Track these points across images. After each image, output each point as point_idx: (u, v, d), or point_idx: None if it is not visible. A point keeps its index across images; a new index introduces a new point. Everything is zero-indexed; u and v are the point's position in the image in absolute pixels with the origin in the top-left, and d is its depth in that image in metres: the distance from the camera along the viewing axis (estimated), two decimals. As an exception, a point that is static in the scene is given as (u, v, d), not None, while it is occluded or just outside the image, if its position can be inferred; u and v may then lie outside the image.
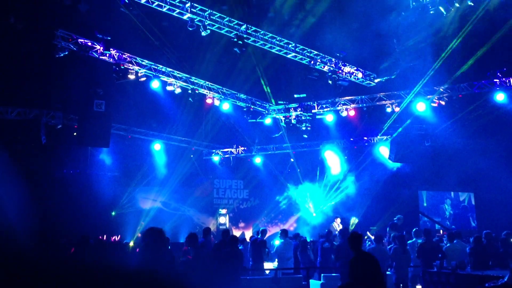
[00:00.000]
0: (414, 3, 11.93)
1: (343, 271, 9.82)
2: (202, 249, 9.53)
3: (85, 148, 17.88)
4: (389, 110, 16.49)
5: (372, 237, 14.80)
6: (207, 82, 16.91)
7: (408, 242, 11.21)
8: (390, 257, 9.87)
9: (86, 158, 18.77)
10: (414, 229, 12.27)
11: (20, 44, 12.87)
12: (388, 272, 10.03)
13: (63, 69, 14.20)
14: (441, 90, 15.60)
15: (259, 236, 12.39)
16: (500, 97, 14.79)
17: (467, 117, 16.60)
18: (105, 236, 17.02)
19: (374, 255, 9.51)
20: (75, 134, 16.20)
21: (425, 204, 20.94)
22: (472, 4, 11.32)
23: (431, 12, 11.70)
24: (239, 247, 10.30)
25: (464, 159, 17.88)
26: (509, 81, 14.66)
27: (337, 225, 16.08)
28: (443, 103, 15.59)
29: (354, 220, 16.37)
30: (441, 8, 11.60)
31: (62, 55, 13.54)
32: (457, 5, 11.53)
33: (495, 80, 14.82)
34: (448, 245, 10.77)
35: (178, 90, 16.12)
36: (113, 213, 19.78)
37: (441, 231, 17.90)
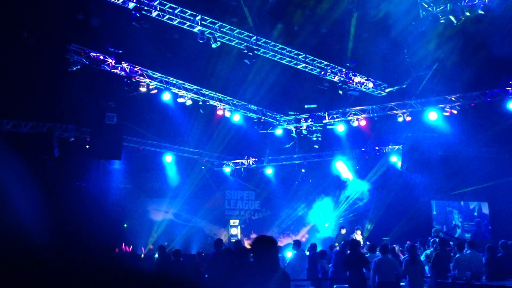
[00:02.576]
0: (424, 13, 11.92)
1: (352, 282, 9.80)
2: (214, 261, 9.50)
3: (97, 160, 18.01)
4: (400, 119, 16.40)
5: (360, 238, 14.77)
6: (218, 94, 16.98)
7: (425, 252, 11.09)
8: (402, 270, 9.71)
9: (98, 170, 18.89)
10: (431, 239, 12.15)
11: (33, 58, 13.05)
12: (402, 283, 9.90)
13: (75, 82, 14.36)
14: (453, 99, 15.51)
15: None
16: (513, 105, 14.66)
17: (480, 125, 16.48)
18: (116, 248, 17.06)
19: (381, 265, 9.49)
20: (87, 146, 16.34)
21: (434, 213, 20.76)
22: (483, 13, 11.27)
23: (442, 21, 11.67)
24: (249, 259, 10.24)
25: (478, 168, 17.70)
26: (522, 89, 14.54)
27: (359, 236, 15.88)
28: (455, 112, 15.48)
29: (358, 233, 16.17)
30: (452, 17, 11.57)
31: (74, 68, 13.73)
32: (467, 13, 11.49)
33: (507, 88, 14.69)
34: (458, 255, 10.52)
35: (189, 102, 16.21)
36: (125, 225, 19.84)
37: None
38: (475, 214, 20.93)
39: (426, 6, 11.75)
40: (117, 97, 15.49)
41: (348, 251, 10.67)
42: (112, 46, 13.73)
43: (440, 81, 15.06)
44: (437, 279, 10.02)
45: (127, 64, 14.68)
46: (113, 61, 14.11)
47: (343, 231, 16.26)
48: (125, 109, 16.15)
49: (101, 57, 14.11)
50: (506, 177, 17.27)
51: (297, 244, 12.04)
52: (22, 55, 12.75)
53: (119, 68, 14.50)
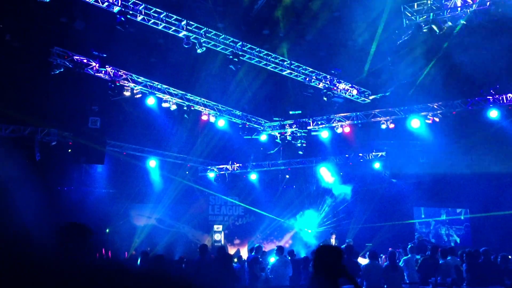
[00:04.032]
0: (407, 21, 12.07)
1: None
2: (198, 267, 9.44)
3: (80, 165, 17.81)
4: (383, 126, 16.56)
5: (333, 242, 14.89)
6: (203, 99, 16.95)
7: (404, 258, 11.18)
8: (383, 277, 9.79)
9: (81, 174, 18.67)
10: (409, 245, 12.24)
11: (16, 61, 12.88)
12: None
13: (58, 86, 14.20)
14: (435, 106, 15.72)
15: (252, 253, 12.32)
16: (493, 114, 14.91)
17: (461, 133, 16.73)
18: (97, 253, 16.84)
19: (369, 271, 9.56)
20: (69, 150, 16.14)
21: (423, 216, 20.92)
22: (465, 23, 11.47)
23: (424, 30, 11.83)
24: (233, 265, 10.23)
25: (459, 175, 17.93)
26: (502, 98, 14.80)
27: (333, 241, 15.99)
28: (437, 119, 15.69)
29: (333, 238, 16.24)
30: (434, 27, 11.74)
31: (57, 72, 13.58)
32: (449, 23, 11.68)
33: (488, 97, 14.95)
34: (441, 261, 10.64)
35: (173, 107, 16.14)
36: (107, 230, 19.62)
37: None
38: (462, 218, 21.06)
39: (410, 15, 11.91)
40: (100, 101, 15.36)
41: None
42: (96, 49, 13.62)
43: (423, 89, 15.26)
44: (421, 284, 10.08)
45: (111, 68, 14.57)
46: (97, 65, 13.99)
47: (333, 238, 16.31)
48: (109, 113, 16.02)
49: (85, 61, 13.99)
50: (486, 184, 17.52)
51: (279, 250, 12.03)
52: (4, 57, 12.58)
53: (103, 72, 14.38)
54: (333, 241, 15.93)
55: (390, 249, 12.01)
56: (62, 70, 13.62)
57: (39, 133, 15.86)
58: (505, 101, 14.80)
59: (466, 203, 20.48)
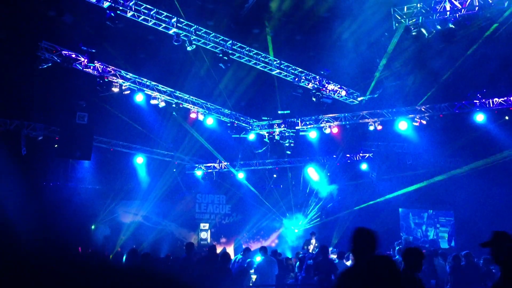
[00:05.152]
0: (397, 24, 12.14)
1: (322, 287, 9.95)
2: (184, 266, 9.41)
3: (66, 160, 17.66)
4: (371, 128, 16.65)
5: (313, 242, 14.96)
6: (192, 97, 16.90)
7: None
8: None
9: (67, 170, 18.52)
10: (397, 247, 12.32)
11: (3, 54, 12.73)
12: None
13: (45, 80, 14.06)
14: (423, 109, 15.85)
15: (240, 256, 12.39)
16: (479, 117, 15.08)
17: (448, 137, 16.89)
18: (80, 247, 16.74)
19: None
20: (56, 146, 16.00)
21: (412, 219, 21.08)
22: (453, 27, 11.56)
23: (413, 33, 11.92)
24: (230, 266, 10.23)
25: (445, 178, 18.10)
26: (489, 102, 14.97)
27: (313, 242, 16.05)
28: (424, 122, 15.82)
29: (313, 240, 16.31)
30: (423, 30, 11.83)
31: (45, 66, 13.43)
32: (438, 27, 11.76)
33: (475, 101, 15.11)
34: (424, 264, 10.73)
35: (162, 104, 16.08)
36: (93, 227, 19.50)
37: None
38: (445, 220, 21.24)
39: (399, 18, 11.98)
40: (88, 96, 15.24)
41: (319, 258, 10.78)
42: (85, 44, 13.49)
43: (411, 92, 15.38)
44: None
45: (99, 63, 14.46)
46: (86, 60, 13.87)
47: (313, 238, 16.34)
48: (97, 109, 15.90)
49: (73, 56, 13.86)
50: (470, 188, 17.71)
51: (263, 250, 12.07)
52: (-10, 50, 12.44)
53: (92, 67, 14.27)
54: (313, 241, 16.00)
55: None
56: (50, 64, 13.47)
57: (25, 127, 15.72)
58: (491, 105, 14.96)
59: (452, 205, 20.70)
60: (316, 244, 15.34)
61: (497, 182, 17.16)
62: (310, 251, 14.91)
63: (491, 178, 17.23)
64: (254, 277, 12.09)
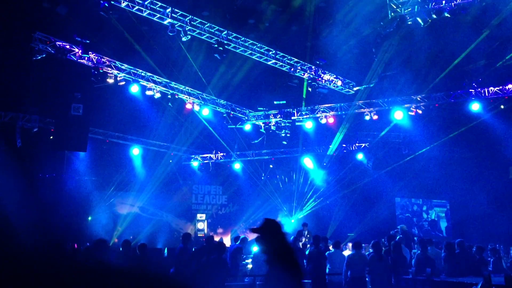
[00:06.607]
0: (392, 14, 12.13)
1: (314, 276, 10.08)
2: (181, 256, 9.43)
3: (62, 152, 17.60)
4: (367, 118, 16.67)
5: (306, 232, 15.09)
6: (187, 88, 16.86)
7: (386, 249, 11.32)
8: (367, 264, 9.95)
9: (63, 162, 18.45)
10: (398, 236, 12.36)
11: (-3, 46, 12.65)
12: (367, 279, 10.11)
13: (40, 72, 13.98)
14: (418, 99, 15.87)
15: (237, 243, 12.39)
16: (475, 107, 15.11)
17: (443, 126, 16.93)
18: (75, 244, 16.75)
19: (353, 261, 9.73)
20: (51, 137, 15.94)
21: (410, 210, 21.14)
22: (449, 16, 11.55)
23: (409, 22, 11.91)
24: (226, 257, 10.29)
25: (440, 167, 18.16)
26: (484, 91, 14.99)
27: (306, 233, 16.09)
28: (420, 112, 15.85)
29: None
30: (419, 19, 11.82)
31: (39, 57, 13.36)
32: (434, 16, 11.75)
33: (470, 90, 15.13)
34: (419, 252, 10.81)
35: (157, 95, 16.03)
36: (90, 218, 19.50)
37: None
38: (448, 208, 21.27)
39: (395, 7, 11.96)
40: (83, 88, 15.15)
41: (311, 248, 10.91)
42: (79, 35, 13.42)
43: (407, 82, 15.39)
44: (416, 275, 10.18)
45: (94, 54, 14.39)
46: (80, 51, 13.80)
47: (305, 229, 16.38)
48: (92, 100, 15.81)
49: (68, 47, 13.78)
50: (465, 177, 17.79)
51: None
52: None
53: (86, 58, 14.20)
54: (306, 233, 16.05)
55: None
56: (44, 55, 13.40)
57: (20, 119, 15.64)
58: (487, 94, 15.00)
59: (447, 195, 20.78)
60: (308, 236, 15.39)
61: (492, 170, 17.26)
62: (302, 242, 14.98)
63: (485, 167, 17.32)
64: (250, 266, 12.16)
